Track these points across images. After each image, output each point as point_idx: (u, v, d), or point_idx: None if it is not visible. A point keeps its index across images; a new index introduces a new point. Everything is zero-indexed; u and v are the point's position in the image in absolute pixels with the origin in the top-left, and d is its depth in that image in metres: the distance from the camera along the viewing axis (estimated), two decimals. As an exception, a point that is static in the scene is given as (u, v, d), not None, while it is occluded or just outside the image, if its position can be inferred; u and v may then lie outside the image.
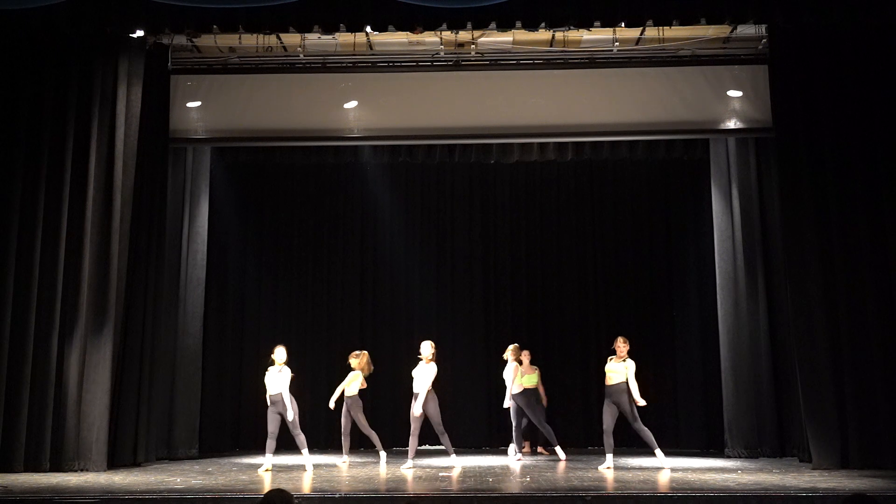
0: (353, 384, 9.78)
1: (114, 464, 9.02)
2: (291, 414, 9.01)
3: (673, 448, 9.98)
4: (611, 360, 9.35)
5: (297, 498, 4.71)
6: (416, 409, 9.11)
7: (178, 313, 10.66)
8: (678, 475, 8.33)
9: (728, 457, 10.02)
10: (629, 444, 10.11)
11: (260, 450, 11.16)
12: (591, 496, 6.78)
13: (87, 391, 8.92)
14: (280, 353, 9.16)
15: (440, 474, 8.52)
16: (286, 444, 9.71)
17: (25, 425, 8.75)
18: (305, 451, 9.10)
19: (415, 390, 9.26)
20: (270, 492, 4.01)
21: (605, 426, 9.09)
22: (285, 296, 12.37)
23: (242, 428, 11.89)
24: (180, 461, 10.03)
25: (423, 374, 9.22)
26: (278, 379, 9.03)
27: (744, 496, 6.87)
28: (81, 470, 8.70)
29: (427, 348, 9.33)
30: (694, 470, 8.81)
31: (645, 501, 6.78)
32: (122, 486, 7.53)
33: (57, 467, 8.72)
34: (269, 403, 9.06)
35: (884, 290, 8.88)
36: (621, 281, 12.23)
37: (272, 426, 9.04)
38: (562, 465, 9.43)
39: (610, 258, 12.36)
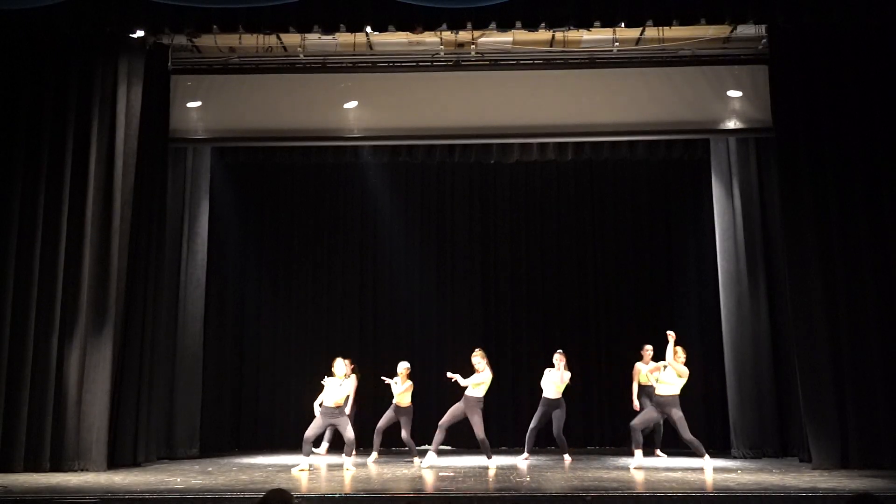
0: (406, 394, 9.92)
1: (114, 464, 9.02)
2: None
3: (674, 448, 9.97)
4: (665, 368, 9.25)
5: (297, 498, 4.70)
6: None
7: (178, 313, 10.65)
8: (678, 475, 8.33)
9: (734, 457, 10.02)
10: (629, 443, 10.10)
11: (259, 450, 11.20)
12: (591, 496, 6.78)
13: (87, 391, 8.92)
14: (339, 366, 9.11)
15: (440, 474, 8.52)
16: (290, 444, 9.82)
17: (25, 425, 8.74)
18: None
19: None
20: (270, 492, 4.01)
21: (636, 423, 9.21)
22: (285, 296, 12.37)
23: (242, 428, 11.91)
24: (180, 461, 10.02)
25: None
26: (339, 391, 9.02)
27: (744, 496, 6.86)
28: (81, 470, 8.70)
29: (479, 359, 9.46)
30: (694, 470, 8.80)
31: (645, 501, 6.77)
32: (122, 486, 7.53)
33: (57, 467, 8.71)
34: (323, 414, 9.03)
35: (884, 290, 8.88)
36: (622, 281, 12.23)
37: (316, 430, 9.03)
38: (566, 466, 9.45)
39: (610, 258, 12.36)
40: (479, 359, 9.41)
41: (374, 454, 10.00)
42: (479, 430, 9.28)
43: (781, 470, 8.66)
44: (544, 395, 10.04)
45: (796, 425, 9.72)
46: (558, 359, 9.99)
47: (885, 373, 8.73)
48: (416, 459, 9.68)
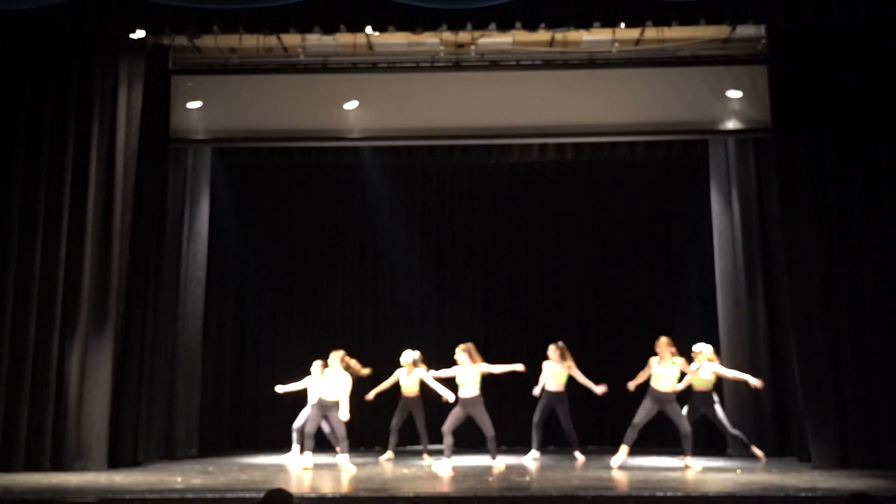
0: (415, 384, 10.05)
1: (114, 463, 9.03)
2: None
3: (674, 448, 9.97)
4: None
5: (297, 498, 4.71)
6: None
7: (178, 313, 10.66)
8: (678, 475, 8.34)
9: (729, 456, 10.03)
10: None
11: (259, 449, 11.22)
12: (591, 496, 6.79)
13: (88, 391, 8.93)
14: (335, 360, 9.37)
15: (440, 474, 8.52)
16: (291, 443, 9.84)
17: (26, 425, 8.75)
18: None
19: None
20: (270, 492, 4.02)
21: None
22: (285, 296, 12.38)
23: (242, 428, 11.91)
24: (180, 461, 10.04)
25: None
26: (340, 385, 9.22)
27: (743, 496, 6.87)
28: (82, 470, 8.71)
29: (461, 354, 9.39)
30: (694, 470, 8.81)
31: (645, 501, 6.78)
32: (122, 486, 7.54)
33: (57, 467, 8.72)
34: (319, 406, 9.37)
35: (884, 290, 8.88)
36: (621, 281, 12.25)
37: (315, 424, 9.37)
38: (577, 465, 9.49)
39: (610, 259, 12.37)
40: (463, 355, 9.28)
41: (390, 453, 10.02)
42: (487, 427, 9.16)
43: (780, 469, 8.67)
44: (546, 388, 10.05)
45: (794, 425, 9.73)
46: (553, 351, 10.01)
47: (885, 372, 8.73)
48: (427, 458, 9.72)
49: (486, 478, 8.18)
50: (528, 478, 8.21)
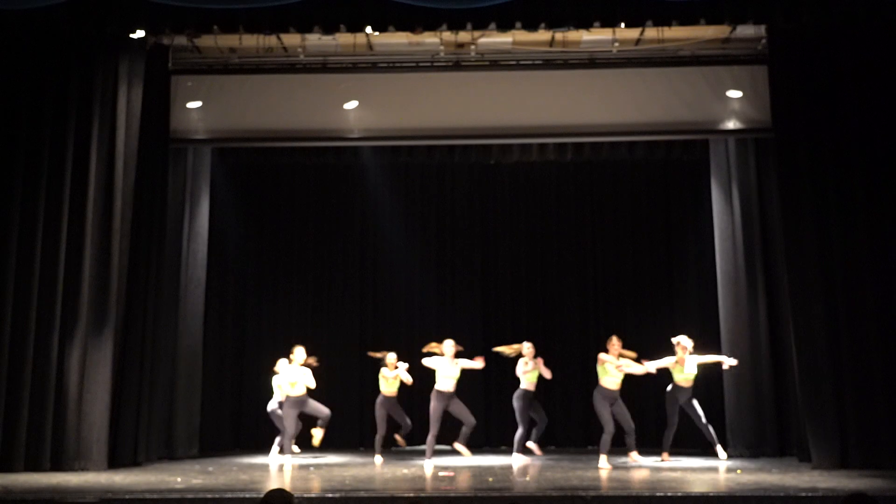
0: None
1: (114, 463, 9.03)
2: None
3: (673, 448, 9.97)
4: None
5: (297, 498, 4.71)
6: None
7: (178, 313, 10.66)
8: (678, 475, 8.34)
9: (730, 456, 10.03)
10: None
11: (260, 449, 11.21)
12: (591, 496, 6.79)
13: (88, 391, 8.93)
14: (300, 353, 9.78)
15: (440, 474, 8.53)
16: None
17: (26, 425, 8.74)
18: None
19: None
20: (270, 492, 4.02)
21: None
22: (285, 296, 12.38)
23: (242, 428, 11.91)
24: (180, 461, 10.04)
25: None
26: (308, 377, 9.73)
27: (743, 496, 6.87)
28: (82, 470, 8.71)
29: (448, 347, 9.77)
30: (694, 470, 8.81)
31: (645, 501, 6.79)
32: (122, 486, 7.54)
33: (57, 467, 8.72)
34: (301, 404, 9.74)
35: (884, 290, 8.88)
36: (621, 281, 12.24)
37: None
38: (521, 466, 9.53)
39: (610, 259, 12.37)
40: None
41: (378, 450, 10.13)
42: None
43: (781, 470, 8.67)
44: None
45: (794, 425, 9.73)
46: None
47: (885, 373, 8.73)
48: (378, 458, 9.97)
49: (487, 478, 8.18)
50: (527, 478, 8.21)
